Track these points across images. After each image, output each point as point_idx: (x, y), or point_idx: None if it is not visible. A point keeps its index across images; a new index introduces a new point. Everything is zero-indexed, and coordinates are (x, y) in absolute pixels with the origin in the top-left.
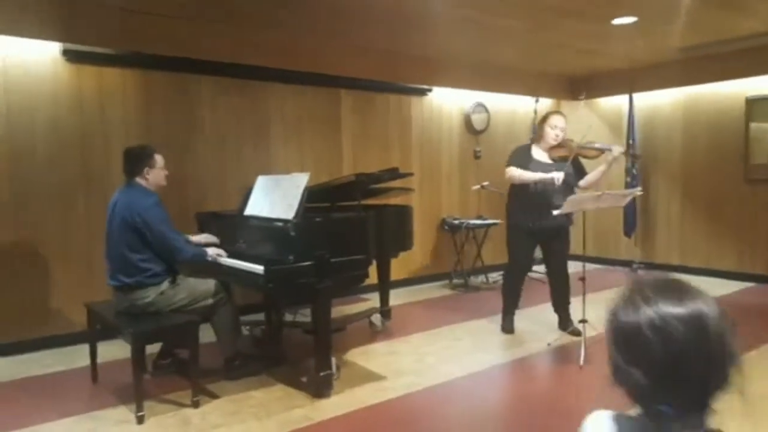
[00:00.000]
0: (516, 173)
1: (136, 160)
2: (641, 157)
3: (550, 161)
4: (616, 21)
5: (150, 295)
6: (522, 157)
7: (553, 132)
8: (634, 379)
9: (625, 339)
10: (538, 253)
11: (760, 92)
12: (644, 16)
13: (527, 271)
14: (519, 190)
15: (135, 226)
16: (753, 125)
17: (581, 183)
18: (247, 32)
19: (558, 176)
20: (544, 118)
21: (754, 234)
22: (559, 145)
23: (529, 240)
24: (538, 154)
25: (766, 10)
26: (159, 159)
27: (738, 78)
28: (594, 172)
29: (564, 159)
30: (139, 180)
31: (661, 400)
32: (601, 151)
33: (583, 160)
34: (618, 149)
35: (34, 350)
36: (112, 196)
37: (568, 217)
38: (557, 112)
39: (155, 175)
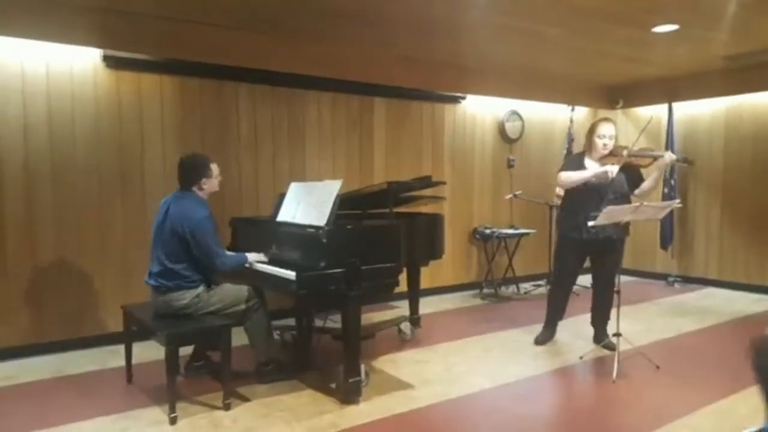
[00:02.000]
0: (566, 175)
1: (192, 171)
2: (694, 163)
3: None
4: (657, 29)
5: (186, 297)
6: (574, 165)
7: (601, 141)
8: None
9: None
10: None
11: None
12: (686, 24)
13: (573, 282)
14: (571, 199)
15: (183, 236)
16: None
17: (636, 192)
18: (283, 41)
19: (611, 169)
20: (592, 128)
21: None
22: (611, 154)
23: (578, 252)
24: (590, 164)
25: None
26: (215, 168)
27: None
28: (648, 179)
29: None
30: (194, 189)
31: None
32: (654, 158)
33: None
34: (670, 155)
35: (71, 350)
36: (147, 199)
37: (624, 228)
38: (605, 119)
39: (210, 184)
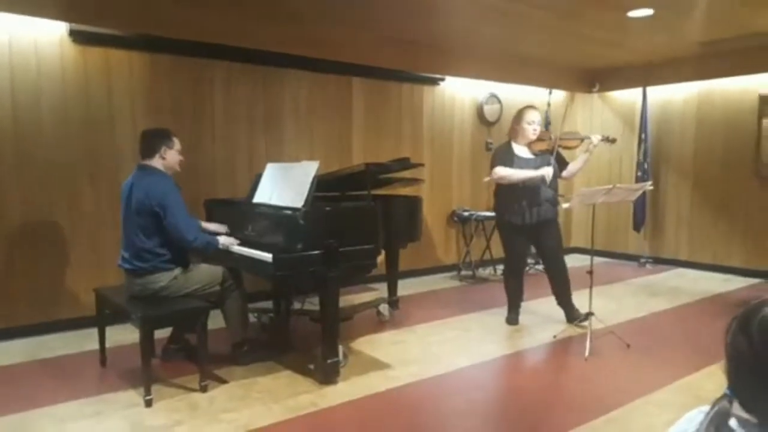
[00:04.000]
0: (506, 173)
1: (154, 140)
2: (616, 141)
3: (531, 156)
4: (632, 13)
5: (163, 279)
6: (505, 156)
7: (531, 127)
8: None
9: None
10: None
11: None
12: (660, 9)
13: (524, 266)
14: (506, 188)
15: (151, 209)
16: (765, 122)
17: (564, 174)
18: (260, 19)
19: (548, 172)
20: (520, 114)
21: (763, 231)
22: (539, 139)
23: (521, 236)
24: (520, 150)
25: None
26: (176, 141)
27: (752, 74)
28: (577, 161)
29: (545, 152)
30: (154, 163)
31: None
32: (581, 140)
33: (564, 151)
34: (597, 137)
35: (43, 333)
36: (117, 177)
37: (554, 209)
38: (531, 106)
39: (172, 156)
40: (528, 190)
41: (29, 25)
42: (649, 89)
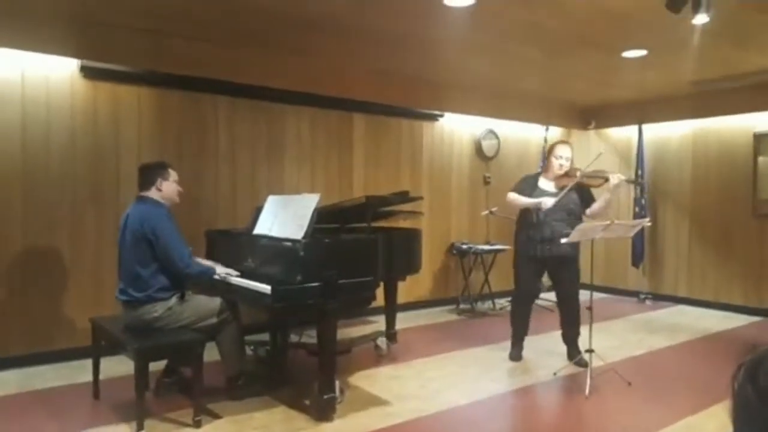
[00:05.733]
0: (512, 197)
1: (150, 172)
2: (643, 183)
3: (555, 190)
4: (626, 54)
5: (158, 310)
6: (527, 185)
7: (558, 162)
8: None
9: None
10: (547, 280)
11: None
12: (654, 50)
13: (533, 298)
14: (524, 217)
15: (145, 237)
16: (761, 159)
17: (588, 212)
18: (263, 56)
19: (545, 201)
20: (551, 149)
21: (762, 268)
22: (566, 175)
23: (533, 267)
24: (545, 184)
25: None
26: (173, 172)
27: (746, 113)
28: (599, 200)
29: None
30: (151, 194)
31: None
32: (605, 178)
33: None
34: (617, 176)
35: (38, 364)
36: (121, 211)
37: (573, 247)
38: (563, 141)
39: (168, 187)
40: (543, 224)
41: (41, 62)
42: (645, 126)
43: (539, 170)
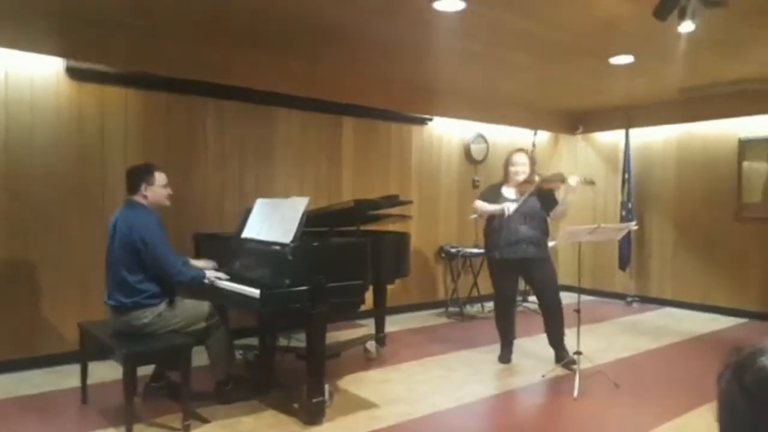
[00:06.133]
0: (477, 205)
1: (135, 177)
2: (594, 183)
3: (516, 196)
4: (614, 60)
5: (147, 316)
6: (490, 194)
7: (514, 169)
8: None
9: None
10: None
11: (753, 134)
12: (641, 56)
13: (512, 301)
14: (489, 224)
15: (134, 246)
16: (745, 164)
17: (551, 214)
18: (253, 58)
19: (507, 207)
20: (507, 159)
21: (746, 270)
22: (526, 182)
23: (505, 271)
24: (507, 191)
25: (757, 57)
26: (159, 177)
27: (731, 118)
28: (561, 202)
29: (530, 193)
30: (138, 198)
31: None
32: (560, 180)
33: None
34: (573, 179)
35: (24, 369)
36: (107, 214)
37: (540, 248)
38: (519, 149)
39: (154, 192)
40: (504, 228)
41: (26, 61)
42: (632, 131)
43: (502, 180)
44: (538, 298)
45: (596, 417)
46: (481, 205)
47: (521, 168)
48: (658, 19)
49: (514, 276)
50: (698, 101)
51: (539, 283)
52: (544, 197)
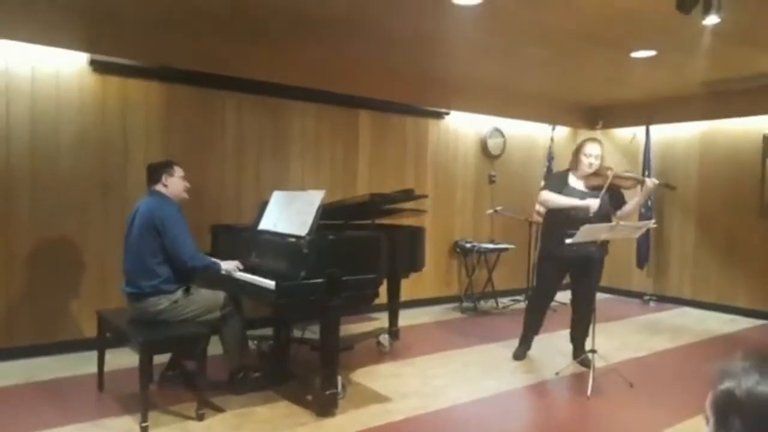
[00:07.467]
0: (550, 197)
1: (155, 169)
2: (676, 188)
3: (585, 189)
4: (635, 54)
5: (163, 303)
6: (558, 183)
7: (587, 160)
8: None
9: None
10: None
11: None
12: (664, 50)
13: (552, 298)
14: (554, 217)
15: (154, 226)
16: None
17: (618, 213)
18: (270, 51)
19: (593, 204)
20: (579, 146)
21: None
22: (596, 174)
23: (559, 268)
24: (574, 181)
25: None
26: (178, 169)
27: (756, 115)
28: (630, 203)
29: (599, 188)
30: (159, 188)
31: None
32: (637, 181)
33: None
34: (653, 181)
35: (44, 355)
36: (129, 205)
37: (603, 248)
38: (593, 139)
39: (173, 183)
40: (576, 222)
41: (51, 56)
42: (652, 128)
43: (568, 167)
44: (578, 295)
45: (609, 416)
46: (554, 197)
47: (595, 160)
48: (682, 12)
49: (565, 273)
50: (722, 97)
51: (587, 282)
52: (613, 194)
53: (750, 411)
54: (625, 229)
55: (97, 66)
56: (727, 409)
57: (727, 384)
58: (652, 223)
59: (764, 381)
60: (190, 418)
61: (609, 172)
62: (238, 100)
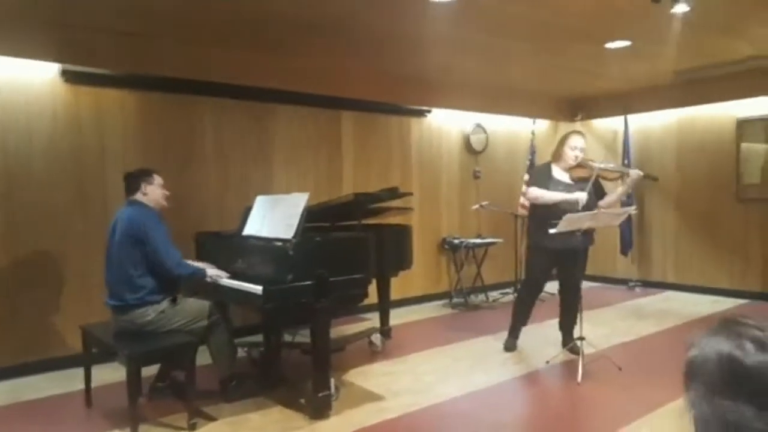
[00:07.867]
0: (539, 193)
1: (134, 178)
2: (658, 179)
3: (570, 181)
4: (610, 45)
5: (150, 314)
6: (542, 177)
7: (573, 153)
8: None
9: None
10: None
11: (750, 114)
12: (637, 41)
13: (542, 289)
14: (541, 210)
15: (137, 237)
16: (744, 146)
17: (601, 203)
18: (249, 55)
19: (582, 197)
20: (564, 139)
21: (747, 252)
22: (579, 166)
23: (549, 260)
24: (558, 173)
25: (755, 34)
26: (157, 177)
27: (729, 100)
28: (613, 194)
29: (584, 180)
30: (138, 197)
31: None
32: (621, 173)
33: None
34: (637, 173)
35: (29, 374)
36: (108, 217)
37: (589, 238)
38: (577, 132)
39: (153, 191)
40: (563, 214)
41: (21, 67)
42: (630, 117)
43: (550, 160)
44: (566, 284)
45: (600, 399)
46: (541, 193)
47: (580, 153)
48: (652, 1)
49: (555, 264)
50: (696, 84)
51: (574, 272)
52: (596, 186)
53: (705, 371)
54: (606, 217)
55: (69, 76)
56: (689, 376)
57: (689, 353)
58: (632, 210)
59: (713, 340)
60: (181, 428)
61: (594, 164)
62: (217, 105)
